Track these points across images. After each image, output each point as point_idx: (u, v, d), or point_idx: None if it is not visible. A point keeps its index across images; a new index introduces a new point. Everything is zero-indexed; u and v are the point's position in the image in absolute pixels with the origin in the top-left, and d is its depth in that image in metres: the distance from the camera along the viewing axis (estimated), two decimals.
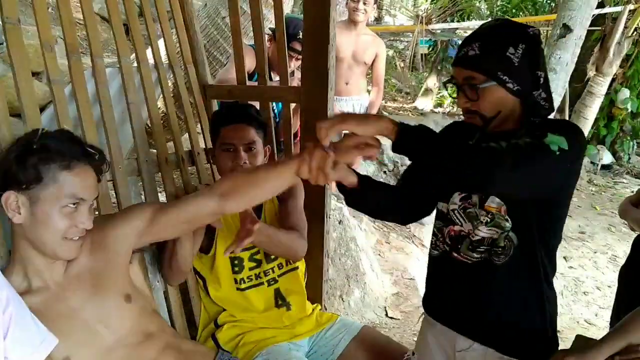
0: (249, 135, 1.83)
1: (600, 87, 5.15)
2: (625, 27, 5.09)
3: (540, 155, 1.18)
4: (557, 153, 1.18)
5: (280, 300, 1.90)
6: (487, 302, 1.40)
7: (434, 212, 1.52)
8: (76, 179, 1.24)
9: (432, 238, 1.51)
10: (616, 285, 2.01)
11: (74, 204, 1.25)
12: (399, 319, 3.28)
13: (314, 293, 2.06)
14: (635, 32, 5.38)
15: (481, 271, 1.39)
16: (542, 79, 1.29)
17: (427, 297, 1.58)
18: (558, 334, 1.47)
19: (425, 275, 1.58)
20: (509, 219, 1.33)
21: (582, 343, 1.47)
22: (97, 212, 1.64)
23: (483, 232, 1.37)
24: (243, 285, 1.85)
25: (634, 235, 1.98)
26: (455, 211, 1.41)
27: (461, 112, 1.38)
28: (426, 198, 1.52)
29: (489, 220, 1.36)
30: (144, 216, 1.42)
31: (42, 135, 1.25)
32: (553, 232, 1.36)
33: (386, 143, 4.57)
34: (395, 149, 1.22)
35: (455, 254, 1.43)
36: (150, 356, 1.39)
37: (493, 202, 1.35)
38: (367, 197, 1.45)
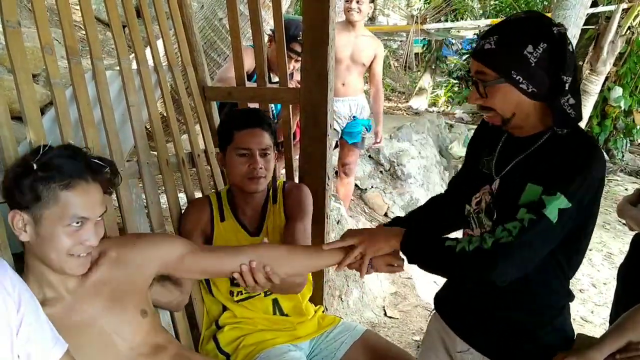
0: (265, 140, 1.80)
1: (594, 86, 5.18)
2: (619, 26, 5.11)
3: (535, 235, 1.16)
4: (556, 220, 1.15)
5: (278, 311, 1.89)
6: (485, 315, 1.38)
7: None
8: (77, 198, 1.21)
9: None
10: (611, 282, 2.02)
11: (77, 222, 1.22)
12: (397, 319, 3.30)
13: (315, 294, 2.06)
14: (628, 31, 5.41)
15: (485, 286, 1.34)
16: (567, 84, 1.17)
17: (440, 295, 1.57)
18: None
19: None
20: None
21: (584, 342, 1.47)
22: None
23: None
24: (238, 297, 1.85)
25: (629, 232, 2.00)
26: (472, 215, 1.39)
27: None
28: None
29: (491, 230, 1.28)
30: (174, 250, 1.45)
31: (43, 154, 1.21)
32: (554, 265, 1.29)
33: (382, 144, 4.55)
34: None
35: None
36: None
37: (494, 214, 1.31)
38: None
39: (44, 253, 1.22)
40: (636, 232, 1.93)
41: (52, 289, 1.28)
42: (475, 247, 1.19)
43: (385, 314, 3.32)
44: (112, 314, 1.34)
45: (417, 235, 1.37)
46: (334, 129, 3.51)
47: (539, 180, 1.19)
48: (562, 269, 1.31)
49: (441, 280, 1.59)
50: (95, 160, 1.28)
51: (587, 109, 5.25)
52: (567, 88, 1.18)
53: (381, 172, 5.01)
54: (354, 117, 3.74)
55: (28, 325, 1.09)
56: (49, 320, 1.17)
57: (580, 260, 1.34)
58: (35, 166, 1.19)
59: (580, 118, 1.23)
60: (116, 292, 1.36)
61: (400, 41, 11.61)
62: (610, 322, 1.98)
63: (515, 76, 1.17)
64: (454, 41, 11.54)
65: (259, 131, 1.80)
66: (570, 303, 1.40)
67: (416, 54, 12.47)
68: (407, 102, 11.12)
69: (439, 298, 1.57)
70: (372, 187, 4.87)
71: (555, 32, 1.17)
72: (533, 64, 1.16)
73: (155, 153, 1.99)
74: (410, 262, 1.36)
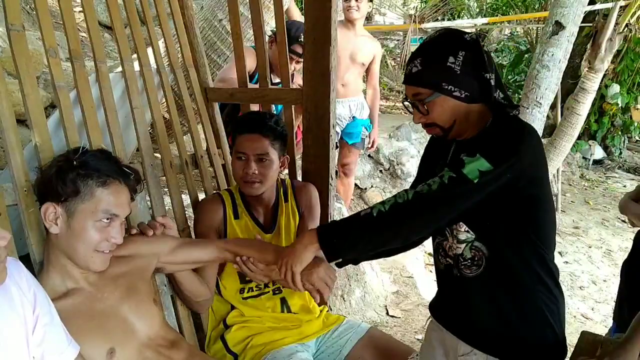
0: (262, 146, 1.82)
1: (592, 83, 5.15)
2: (617, 23, 5.10)
3: (453, 191, 1.23)
4: (476, 180, 1.22)
5: (286, 309, 1.91)
6: (478, 312, 1.42)
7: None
8: (111, 196, 1.33)
9: (434, 255, 1.52)
10: (611, 279, 2.03)
11: (107, 219, 1.32)
12: (399, 318, 3.30)
13: None
14: (626, 28, 5.41)
15: (469, 282, 1.40)
16: (492, 80, 1.29)
17: (435, 303, 1.60)
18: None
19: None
20: (469, 230, 1.35)
21: (589, 339, 1.48)
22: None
23: (455, 247, 1.40)
24: (248, 294, 1.87)
25: (629, 229, 2.02)
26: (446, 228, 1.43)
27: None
28: None
29: (451, 233, 1.40)
30: (167, 244, 1.57)
31: (83, 153, 1.34)
32: (527, 242, 1.35)
33: (381, 142, 4.55)
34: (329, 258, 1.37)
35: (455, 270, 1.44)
36: (180, 358, 1.47)
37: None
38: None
39: (71, 246, 1.31)
40: (639, 228, 1.94)
41: (74, 281, 1.36)
42: (391, 204, 1.26)
43: (387, 313, 3.32)
44: (130, 302, 1.42)
45: (330, 225, 1.41)
46: (335, 130, 3.51)
47: (465, 152, 1.27)
48: (536, 243, 1.35)
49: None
50: (125, 166, 1.40)
51: (585, 107, 5.22)
52: (493, 84, 1.29)
53: (381, 171, 5.02)
54: (353, 117, 3.75)
55: (43, 326, 1.11)
56: (74, 310, 1.28)
57: (553, 237, 1.40)
58: (75, 163, 1.31)
59: (514, 107, 1.33)
60: (131, 282, 1.45)
61: (397, 40, 11.63)
62: (614, 319, 1.99)
63: (446, 87, 1.29)
64: None
65: (257, 137, 1.83)
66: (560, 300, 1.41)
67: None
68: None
69: (434, 305, 1.60)
70: (372, 186, 4.88)
71: (468, 39, 1.30)
72: (459, 72, 1.28)
73: (159, 155, 1.99)
74: (334, 256, 1.36)
